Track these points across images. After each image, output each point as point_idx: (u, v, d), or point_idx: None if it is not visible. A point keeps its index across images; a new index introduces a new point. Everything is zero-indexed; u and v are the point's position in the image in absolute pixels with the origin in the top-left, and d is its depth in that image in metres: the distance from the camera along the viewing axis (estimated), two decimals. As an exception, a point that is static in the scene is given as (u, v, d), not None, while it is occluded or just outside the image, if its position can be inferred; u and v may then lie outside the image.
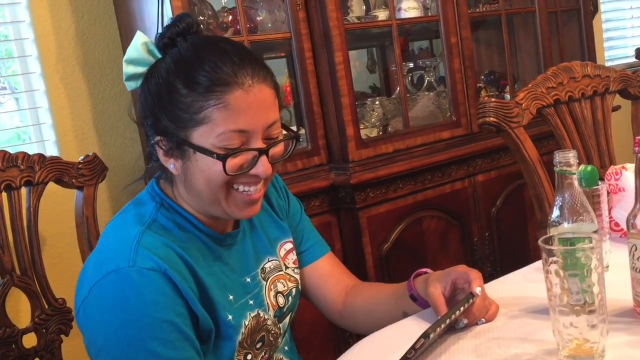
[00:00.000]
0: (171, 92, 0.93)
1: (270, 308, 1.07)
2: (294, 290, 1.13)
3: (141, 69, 0.98)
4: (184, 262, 0.94)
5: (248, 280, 1.05)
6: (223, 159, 0.92)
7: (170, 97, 0.93)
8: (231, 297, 1.00)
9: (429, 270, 1.11)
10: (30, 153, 1.36)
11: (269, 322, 1.06)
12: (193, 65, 0.93)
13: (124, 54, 1.00)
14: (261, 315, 1.04)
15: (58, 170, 1.39)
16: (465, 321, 0.98)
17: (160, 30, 1.00)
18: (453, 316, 0.94)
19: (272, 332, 1.07)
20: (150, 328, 0.88)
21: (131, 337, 0.88)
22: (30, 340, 1.35)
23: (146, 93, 0.97)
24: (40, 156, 1.37)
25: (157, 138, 0.97)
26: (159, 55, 0.98)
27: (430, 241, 2.10)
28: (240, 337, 1.00)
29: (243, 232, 1.09)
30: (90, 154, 1.46)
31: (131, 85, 1.00)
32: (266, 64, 0.98)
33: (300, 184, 1.89)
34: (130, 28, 1.96)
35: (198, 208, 1.00)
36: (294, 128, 2.14)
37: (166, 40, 0.97)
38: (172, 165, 0.97)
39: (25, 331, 1.34)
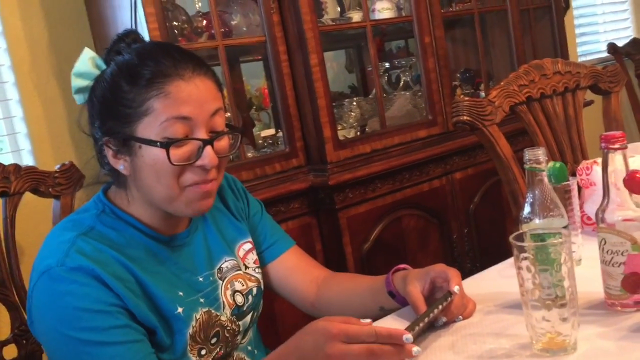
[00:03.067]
0: (115, 91, 0.96)
1: (227, 306, 1.08)
2: (254, 289, 1.14)
3: (88, 82, 1.01)
4: (120, 263, 0.96)
5: (200, 279, 1.07)
6: (166, 146, 0.93)
7: (114, 96, 0.96)
8: (181, 293, 1.02)
9: (407, 266, 1.12)
10: (6, 163, 1.35)
11: (222, 319, 1.07)
12: (136, 63, 0.96)
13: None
14: (213, 312, 1.05)
15: (34, 180, 1.38)
16: (444, 319, 1.00)
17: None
18: (432, 314, 0.95)
19: (229, 328, 1.08)
20: (82, 319, 0.91)
21: (66, 333, 0.91)
22: (10, 352, 1.34)
23: (92, 99, 1.00)
24: (16, 166, 1.36)
25: (105, 139, 0.98)
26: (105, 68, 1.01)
27: (410, 239, 2.12)
28: (191, 330, 1.01)
29: (194, 233, 1.10)
30: (67, 162, 1.45)
31: (80, 98, 1.02)
32: (208, 65, 1.01)
33: (279, 186, 1.90)
34: (103, 35, 1.95)
35: (149, 209, 1.02)
36: (272, 131, 2.14)
37: (112, 53, 1.00)
38: (121, 166, 0.99)
39: (5, 343, 1.33)
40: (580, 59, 3.53)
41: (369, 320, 0.89)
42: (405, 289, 1.04)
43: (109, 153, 0.99)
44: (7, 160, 1.90)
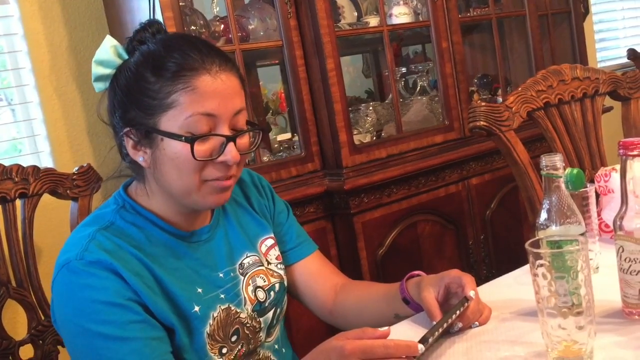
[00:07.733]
0: (139, 81, 0.96)
1: (248, 302, 1.08)
2: (277, 285, 1.14)
3: (109, 71, 1.00)
4: (138, 260, 0.96)
5: (221, 275, 1.07)
6: (191, 141, 0.93)
7: (138, 86, 0.96)
8: (200, 289, 1.02)
9: (421, 273, 1.12)
10: (25, 164, 1.37)
11: (242, 316, 1.06)
12: (162, 54, 0.96)
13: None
14: (232, 308, 1.05)
15: (52, 182, 1.40)
16: (460, 325, 0.99)
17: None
18: (450, 320, 0.95)
19: (249, 325, 1.08)
20: (100, 312, 0.91)
21: (85, 325, 0.91)
22: (27, 352, 1.35)
23: (115, 88, 1.00)
24: (35, 168, 1.38)
25: (126, 129, 0.98)
26: (127, 57, 1.00)
27: (426, 245, 2.11)
28: (208, 329, 1.01)
29: (216, 229, 1.10)
30: (85, 164, 1.47)
31: (99, 86, 1.02)
32: (233, 60, 1.00)
33: (294, 190, 1.90)
34: (122, 39, 1.96)
35: (168, 203, 1.02)
36: (288, 135, 2.15)
37: (135, 43, 1.00)
38: (141, 157, 0.99)
39: (22, 343, 1.34)
40: (600, 65, 3.50)
41: (386, 328, 0.89)
42: (420, 295, 1.04)
43: (129, 144, 0.99)
44: (27, 162, 1.92)
